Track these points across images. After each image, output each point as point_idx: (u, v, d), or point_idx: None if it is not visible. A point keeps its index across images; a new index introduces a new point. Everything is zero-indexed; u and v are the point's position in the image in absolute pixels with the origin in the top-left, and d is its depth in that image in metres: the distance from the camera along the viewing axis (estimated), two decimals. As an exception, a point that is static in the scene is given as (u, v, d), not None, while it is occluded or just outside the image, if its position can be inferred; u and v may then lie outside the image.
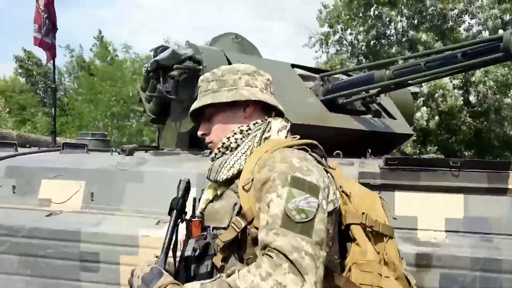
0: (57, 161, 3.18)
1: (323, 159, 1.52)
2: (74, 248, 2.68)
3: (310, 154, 1.44)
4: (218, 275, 1.28)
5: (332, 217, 1.40)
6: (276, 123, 1.56)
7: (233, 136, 1.54)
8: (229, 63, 3.35)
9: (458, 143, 12.77)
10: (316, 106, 3.45)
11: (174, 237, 1.53)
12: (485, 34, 12.48)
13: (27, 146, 3.99)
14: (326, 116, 3.40)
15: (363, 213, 1.51)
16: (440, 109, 11.47)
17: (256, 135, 1.53)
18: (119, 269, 2.61)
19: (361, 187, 1.64)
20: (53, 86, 5.53)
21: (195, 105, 1.60)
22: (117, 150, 3.38)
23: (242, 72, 1.59)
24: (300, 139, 1.51)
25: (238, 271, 1.23)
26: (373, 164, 2.68)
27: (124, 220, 2.74)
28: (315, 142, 1.52)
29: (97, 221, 2.74)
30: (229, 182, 1.50)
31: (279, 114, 1.63)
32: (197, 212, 1.59)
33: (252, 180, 1.38)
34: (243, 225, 1.36)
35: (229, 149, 1.55)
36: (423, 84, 10.58)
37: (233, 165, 1.49)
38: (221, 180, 1.51)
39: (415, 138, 11.42)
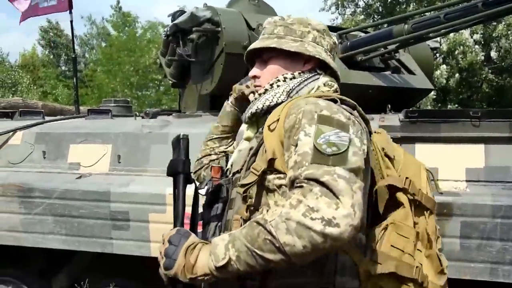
0: (83, 126, 3.28)
1: (360, 117, 1.37)
2: (105, 208, 2.80)
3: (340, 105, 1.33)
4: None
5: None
6: (325, 78, 1.52)
7: (276, 82, 1.49)
8: (247, 25, 3.37)
9: (480, 101, 12.58)
10: (335, 64, 3.44)
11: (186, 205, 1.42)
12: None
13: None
14: (345, 73, 3.40)
15: (407, 178, 1.45)
16: (460, 66, 11.26)
17: (298, 81, 1.48)
18: (148, 226, 2.72)
19: (407, 154, 1.59)
20: (73, 55, 5.61)
21: (256, 45, 1.54)
22: (140, 114, 3.46)
23: (313, 27, 1.54)
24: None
25: (267, 210, 1.20)
26: (394, 119, 2.70)
27: (151, 180, 2.83)
28: (351, 101, 1.39)
29: (125, 181, 2.84)
30: (258, 124, 1.49)
31: (335, 76, 1.57)
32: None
33: (278, 120, 1.30)
34: (262, 168, 1.26)
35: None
36: (442, 41, 10.38)
37: (264, 102, 1.47)
38: (249, 115, 1.50)
39: (435, 96, 11.28)
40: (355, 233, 1.06)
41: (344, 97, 1.40)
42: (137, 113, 3.54)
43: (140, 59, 18.47)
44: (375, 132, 1.55)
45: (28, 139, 3.24)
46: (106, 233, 2.81)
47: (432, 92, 9.13)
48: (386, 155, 1.50)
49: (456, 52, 11.14)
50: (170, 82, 4.09)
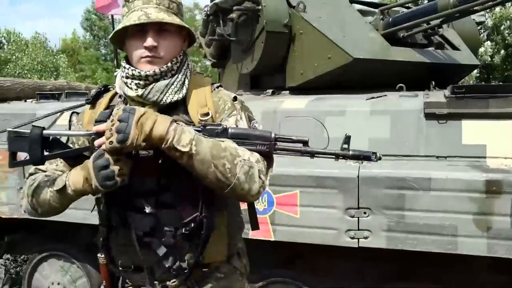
0: (127, 106, 3.34)
1: None
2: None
3: None
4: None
5: None
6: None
7: (176, 62, 1.57)
8: (288, 2, 3.33)
9: (526, 78, 12.10)
10: (377, 41, 3.38)
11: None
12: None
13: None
14: (388, 50, 3.34)
15: None
16: (506, 42, 10.82)
17: (189, 63, 1.64)
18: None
19: None
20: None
21: (164, 18, 1.49)
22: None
23: None
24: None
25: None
26: (438, 95, 2.64)
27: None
28: None
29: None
30: (170, 106, 1.55)
31: None
32: None
33: (211, 116, 1.53)
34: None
35: (170, 73, 1.56)
36: (487, 16, 10.00)
37: (179, 88, 1.56)
38: (167, 102, 1.53)
39: (478, 74, 10.93)
40: None
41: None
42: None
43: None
44: None
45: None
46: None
47: (475, 70, 8.83)
48: None
49: (502, 28, 10.69)
50: (209, 62, 4.11)
